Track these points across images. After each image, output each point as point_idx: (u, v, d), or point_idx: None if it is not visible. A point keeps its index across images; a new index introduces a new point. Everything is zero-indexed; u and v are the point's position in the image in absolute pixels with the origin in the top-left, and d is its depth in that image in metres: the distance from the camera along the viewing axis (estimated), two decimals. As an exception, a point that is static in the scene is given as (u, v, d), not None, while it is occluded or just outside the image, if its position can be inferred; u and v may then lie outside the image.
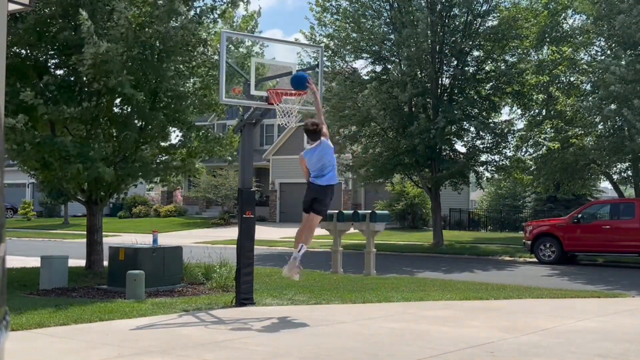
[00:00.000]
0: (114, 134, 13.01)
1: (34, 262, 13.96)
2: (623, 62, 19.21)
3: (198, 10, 12.81)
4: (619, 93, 19.03)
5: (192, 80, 12.64)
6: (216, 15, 13.16)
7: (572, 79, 25.38)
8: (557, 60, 24.36)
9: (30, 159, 11.97)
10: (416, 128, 21.95)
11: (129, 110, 12.51)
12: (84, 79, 11.84)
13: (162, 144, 13.37)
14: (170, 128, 13.40)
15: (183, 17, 11.44)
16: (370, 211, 15.12)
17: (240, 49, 13.49)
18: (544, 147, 24.01)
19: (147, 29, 11.29)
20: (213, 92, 12.59)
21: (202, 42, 12.17)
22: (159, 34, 11.46)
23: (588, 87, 24.77)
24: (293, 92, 9.27)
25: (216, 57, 12.59)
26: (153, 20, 11.34)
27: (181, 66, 12.31)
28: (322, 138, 8.52)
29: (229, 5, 13.18)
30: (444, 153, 24.84)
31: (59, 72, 12.85)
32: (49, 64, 12.95)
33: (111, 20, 11.84)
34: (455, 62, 24.52)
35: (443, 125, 22.40)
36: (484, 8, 23.79)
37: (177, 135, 14.05)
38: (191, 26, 11.59)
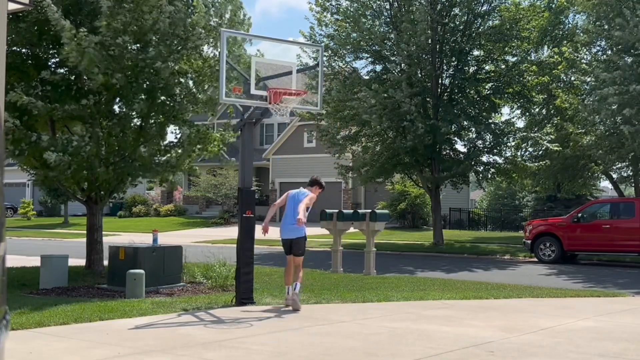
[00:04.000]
0: (114, 134, 13.00)
1: (34, 261, 13.96)
2: (617, 82, 19.18)
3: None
4: (614, 109, 19.09)
5: (187, 77, 12.58)
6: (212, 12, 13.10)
7: (572, 78, 25.39)
8: (558, 61, 24.36)
9: (29, 158, 11.98)
10: (415, 130, 21.96)
11: (127, 109, 12.49)
12: (85, 77, 11.83)
13: (162, 143, 13.34)
14: (171, 126, 13.37)
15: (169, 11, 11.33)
16: (370, 211, 15.12)
17: (242, 48, 13.45)
18: (544, 147, 23.99)
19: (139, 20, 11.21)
20: (213, 88, 12.55)
21: (188, 31, 12.06)
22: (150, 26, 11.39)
23: (588, 87, 24.78)
24: (293, 91, 9.28)
25: (210, 49, 12.57)
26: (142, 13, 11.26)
27: (173, 62, 12.21)
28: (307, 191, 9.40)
29: None
30: (444, 153, 24.84)
31: (60, 70, 12.83)
32: (50, 63, 12.94)
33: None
34: (456, 62, 24.52)
35: (442, 127, 22.40)
36: (485, 8, 23.79)
37: (174, 132, 14.07)
38: (177, 20, 11.49)
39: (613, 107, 20.47)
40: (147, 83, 11.86)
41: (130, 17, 11.04)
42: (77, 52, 10.76)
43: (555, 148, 23.10)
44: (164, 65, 11.28)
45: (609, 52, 22.82)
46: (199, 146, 13.24)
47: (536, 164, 24.40)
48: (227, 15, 13.32)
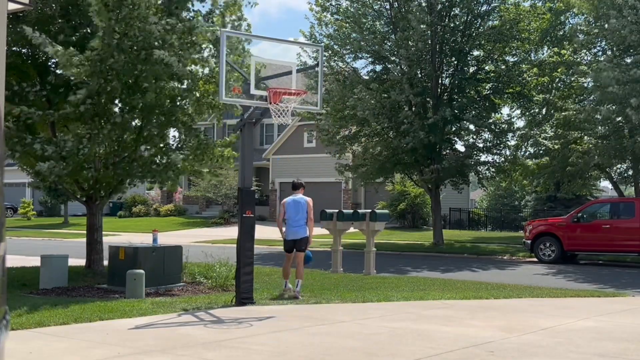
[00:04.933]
0: (113, 135, 12.97)
1: (34, 261, 13.96)
2: (617, 70, 19.16)
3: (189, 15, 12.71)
4: (616, 95, 19.02)
5: (186, 82, 12.57)
6: (208, 19, 13.07)
7: (572, 78, 25.37)
8: (557, 62, 24.35)
9: (28, 158, 11.96)
10: (411, 127, 21.98)
11: (127, 111, 12.48)
12: (84, 78, 11.81)
13: (161, 144, 13.31)
14: (170, 129, 13.34)
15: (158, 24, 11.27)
16: (370, 210, 15.12)
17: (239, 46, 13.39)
18: (544, 147, 23.98)
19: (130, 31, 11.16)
20: (210, 94, 12.53)
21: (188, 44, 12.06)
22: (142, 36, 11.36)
23: (588, 87, 24.77)
24: (292, 91, 9.28)
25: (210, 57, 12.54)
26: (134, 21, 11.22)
27: (175, 60, 12.17)
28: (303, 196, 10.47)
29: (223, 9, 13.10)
30: (444, 152, 24.84)
31: (60, 71, 12.81)
32: (50, 63, 12.93)
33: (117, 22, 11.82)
34: (456, 62, 24.52)
35: (442, 125, 22.40)
36: (484, 8, 23.79)
37: (175, 137, 14.04)
38: (167, 36, 11.48)
39: (613, 107, 20.45)
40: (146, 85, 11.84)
41: (124, 27, 10.99)
42: (68, 63, 10.76)
43: (555, 146, 23.09)
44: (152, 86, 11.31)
45: (609, 52, 22.80)
46: (203, 161, 13.28)
47: (536, 161, 24.40)
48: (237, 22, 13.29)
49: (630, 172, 24.14)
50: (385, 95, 22.46)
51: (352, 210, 15.90)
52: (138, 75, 11.30)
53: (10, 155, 11.78)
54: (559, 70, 24.63)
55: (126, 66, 11.11)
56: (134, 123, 12.50)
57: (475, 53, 24.96)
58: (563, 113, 23.17)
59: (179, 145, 13.26)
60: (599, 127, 22.90)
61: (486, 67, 25.12)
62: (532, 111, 26.23)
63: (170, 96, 12.17)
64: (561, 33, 25.62)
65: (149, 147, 12.70)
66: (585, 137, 22.67)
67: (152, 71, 11.19)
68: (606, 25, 20.35)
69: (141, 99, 11.55)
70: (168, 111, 12.31)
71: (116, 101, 12.27)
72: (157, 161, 13.00)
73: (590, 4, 21.29)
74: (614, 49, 21.44)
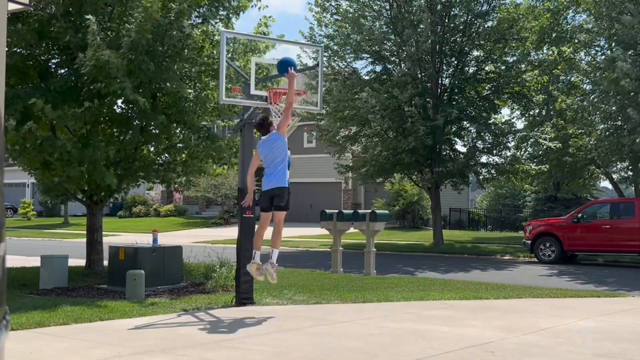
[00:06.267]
0: (115, 134, 12.97)
1: (34, 261, 13.97)
2: (629, 60, 19.16)
3: (201, 17, 12.80)
4: (625, 89, 18.99)
5: (193, 82, 12.61)
6: (218, 21, 13.13)
7: (572, 78, 25.39)
8: (557, 61, 24.38)
9: (31, 159, 11.94)
10: (411, 127, 21.99)
11: (130, 111, 12.48)
12: (85, 78, 11.81)
13: (166, 142, 13.31)
14: (176, 129, 13.36)
15: (185, 27, 11.39)
16: (370, 211, 15.12)
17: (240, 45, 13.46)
18: (544, 146, 23.99)
19: (149, 35, 11.21)
20: (214, 96, 12.56)
21: (200, 48, 12.16)
22: (163, 39, 11.42)
23: (588, 87, 24.77)
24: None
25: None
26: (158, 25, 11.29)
27: (190, 67, 12.28)
28: (274, 130, 8.52)
29: (232, 11, 13.16)
30: (444, 153, 24.84)
31: (61, 71, 12.80)
32: (50, 64, 12.91)
33: (112, 21, 11.82)
34: (455, 62, 24.53)
35: (442, 124, 22.40)
36: (484, 8, 23.80)
37: (179, 136, 14.05)
38: (189, 40, 11.59)
39: (613, 108, 20.44)
40: (152, 87, 11.88)
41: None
42: (97, 67, 10.80)
43: (555, 146, 23.09)
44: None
45: (609, 52, 22.80)
46: (209, 161, 13.32)
47: (537, 168, 24.41)
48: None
49: (630, 173, 24.16)
50: (386, 95, 22.45)
51: (352, 211, 15.91)
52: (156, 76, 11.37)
53: (18, 154, 11.73)
54: (559, 67, 24.64)
55: (150, 68, 11.18)
56: (136, 122, 12.49)
57: (475, 53, 24.97)
58: (564, 102, 23.16)
59: (184, 146, 13.22)
60: (600, 126, 22.91)
61: (486, 68, 25.13)
62: (532, 112, 26.24)
63: (181, 97, 12.20)
64: (559, 34, 25.61)
65: (155, 147, 12.71)
66: (586, 137, 22.68)
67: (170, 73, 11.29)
68: (605, 24, 20.35)
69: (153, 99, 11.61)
70: (175, 110, 12.32)
71: (119, 101, 12.28)
72: (159, 160, 13.00)
73: (593, 0, 21.29)
74: (616, 46, 21.41)
